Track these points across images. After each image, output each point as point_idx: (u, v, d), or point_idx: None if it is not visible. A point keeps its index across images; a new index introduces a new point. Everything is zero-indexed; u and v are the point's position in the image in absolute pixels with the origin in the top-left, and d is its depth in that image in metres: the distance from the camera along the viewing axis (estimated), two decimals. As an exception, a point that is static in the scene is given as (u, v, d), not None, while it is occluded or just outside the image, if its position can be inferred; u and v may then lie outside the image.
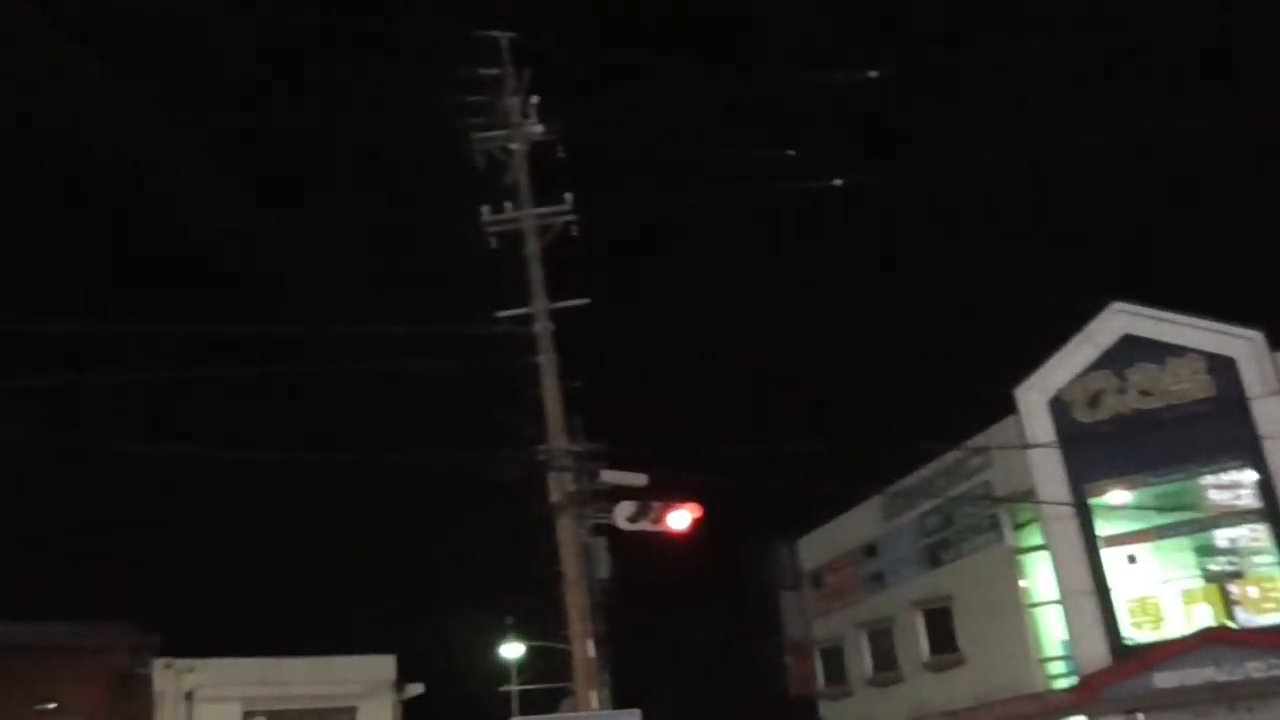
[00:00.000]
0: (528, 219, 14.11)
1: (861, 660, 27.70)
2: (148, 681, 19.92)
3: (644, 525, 13.80)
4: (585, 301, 13.91)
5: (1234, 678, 19.29)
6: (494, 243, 14.18)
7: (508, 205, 14.30)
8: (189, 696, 19.52)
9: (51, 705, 20.75)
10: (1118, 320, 22.33)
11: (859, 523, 27.96)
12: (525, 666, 30.03)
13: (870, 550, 27.70)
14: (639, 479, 13.70)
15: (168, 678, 19.70)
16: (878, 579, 27.43)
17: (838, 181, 12.89)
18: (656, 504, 13.80)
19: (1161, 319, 21.98)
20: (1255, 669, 19.26)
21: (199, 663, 20.04)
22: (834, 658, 28.92)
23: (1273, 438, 20.34)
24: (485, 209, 14.18)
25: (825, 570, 29.54)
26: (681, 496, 13.99)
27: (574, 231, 14.18)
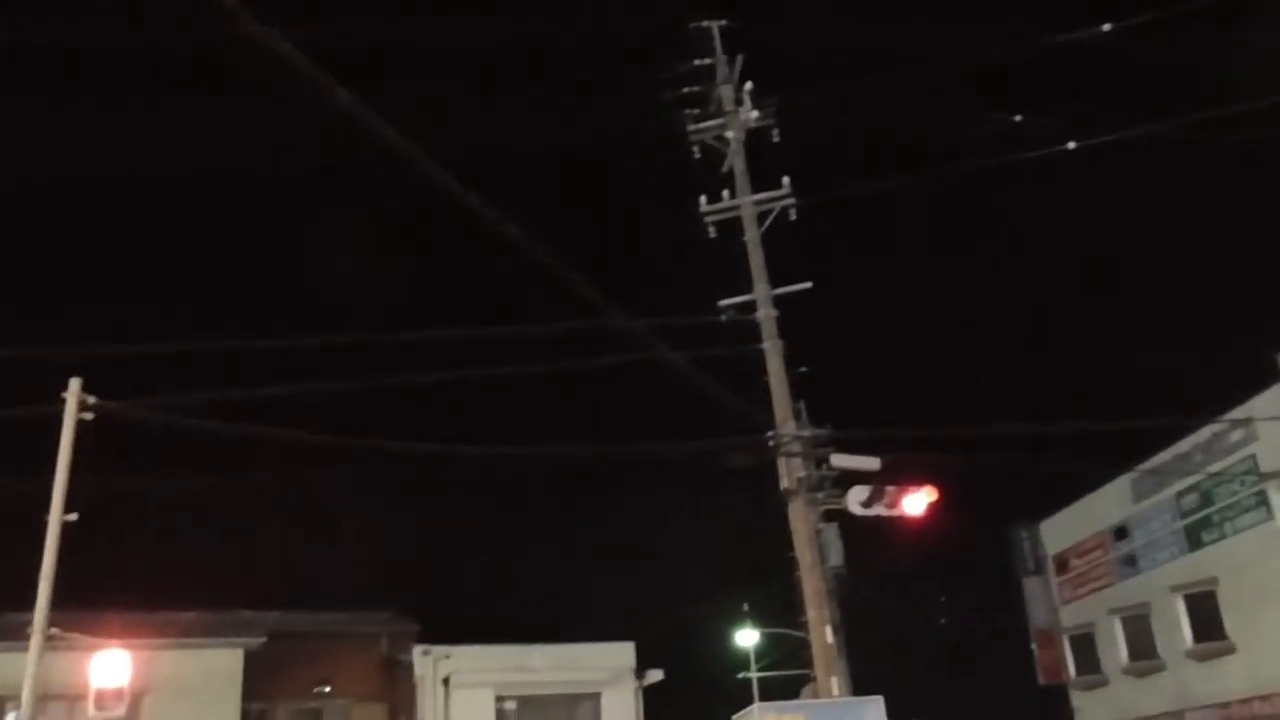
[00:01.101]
0: (746, 205, 14.08)
1: (1116, 648, 26.20)
2: (409, 667, 21.14)
3: (879, 509, 13.57)
4: (807, 286, 13.76)
5: None
6: (713, 231, 14.24)
7: (725, 195, 14.34)
8: (446, 681, 20.55)
9: (327, 688, 22.47)
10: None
11: (1107, 504, 26.47)
12: (762, 654, 30.08)
13: (1121, 532, 26.18)
14: (872, 463, 13.48)
15: (426, 663, 20.81)
16: (1130, 562, 25.88)
17: (1071, 145, 12.20)
18: (891, 488, 13.55)
19: None
20: None
21: (454, 649, 21.05)
22: (1085, 645, 27.50)
23: None
24: (703, 198, 14.26)
25: (1071, 554, 28.15)
26: (915, 480, 13.66)
27: (793, 215, 14.05)
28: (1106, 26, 12.38)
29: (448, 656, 20.74)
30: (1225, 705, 22.01)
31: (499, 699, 20.85)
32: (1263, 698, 20.98)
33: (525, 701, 21.06)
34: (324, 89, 6.89)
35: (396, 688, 22.87)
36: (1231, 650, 22.67)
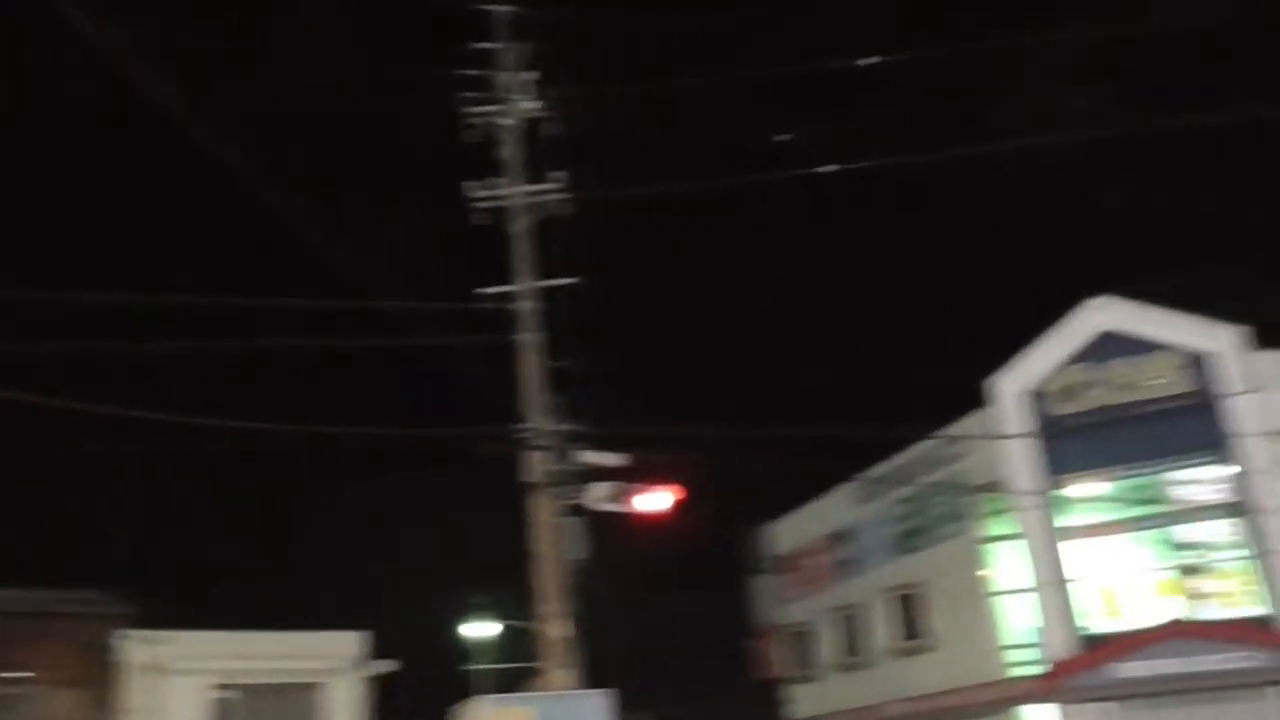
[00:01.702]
0: (516, 195, 14.01)
1: (830, 646, 27.95)
2: (119, 652, 19.72)
3: (618, 506, 13.83)
4: (574, 281, 13.85)
5: (1198, 669, 19.56)
6: (482, 218, 14.07)
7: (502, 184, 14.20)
8: (160, 669, 19.34)
9: (22, 674, 20.55)
10: (1097, 314, 22.50)
11: (832, 509, 28.13)
12: (499, 646, 30.05)
13: (842, 536, 27.89)
14: (617, 459, 13.72)
15: (139, 649, 19.51)
16: (849, 565, 27.63)
17: (831, 167, 12.87)
18: (632, 485, 13.82)
19: (1141, 313, 22.17)
20: (1218, 661, 19.54)
21: (171, 635, 19.85)
22: (803, 642, 29.14)
23: (1246, 434, 20.60)
24: (472, 183, 14.07)
25: (797, 555, 29.73)
26: (663, 479, 14.00)
27: (566, 210, 14.09)
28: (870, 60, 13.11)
29: (163, 642, 19.51)
30: (917, 698, 23.86)
31: (217, 688, 19.81)
32: (951, 691, 22.90)
33: (247, 690, 20.11)
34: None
35: (104, 674, 21.27)
36: (930, 649, 24.63)
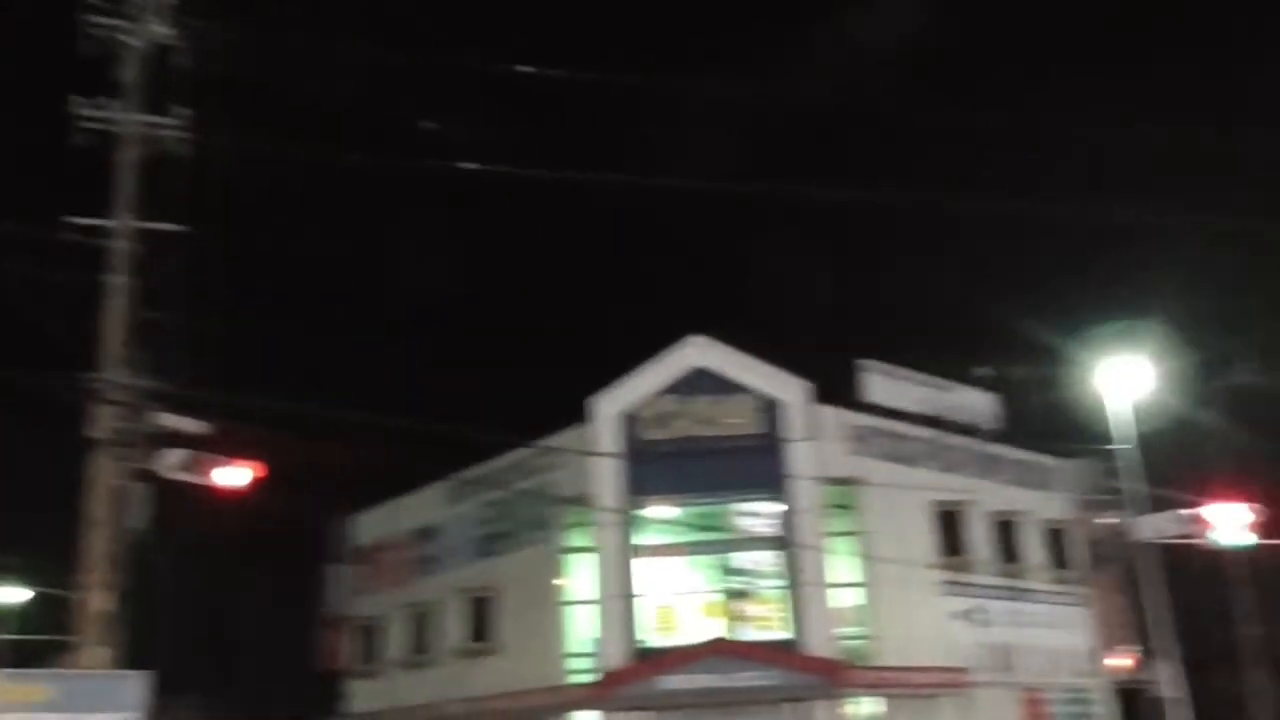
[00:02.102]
0: (130, 122, 12.72)
1: (398, 641, 27.71)
2: None
3: (193, 477, 12.98)
4: (181, 229, 12.78)
5: (731, 684, 21.46)
6: (86, 139, 12.62)
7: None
8: None
9: None
10: (694, 351, 24.20)
11: (422, 504, 28.00)
12: (28, 615, 26.90)
13: (428, 533, 27.83)
14: (197, 426, 12.86)
15: None
16: (430, 562, 27.60)
17: (472, 165, 12.81)
18: (211, 456, 13.03)
19: (730, 356, 24.12)
20: (749, 678, 21.55)
21: None
22: (371, 636, 28.67)
23: (798, 477, 22.98)
24: (80, 99, 12.61)
25: (379, 548, 29.27)
26: (245, 454, 13.29)
27: (185, 151, 12.97)
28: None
29: None
30: (477, 699, 24.25)
31: None
32: (509, 694, 23.48)
33: None
34: None
35: None
36: (495, 651, 25.14)
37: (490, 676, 24.58)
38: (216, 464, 12.98)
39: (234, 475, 13.06)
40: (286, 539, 30.78)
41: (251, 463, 13.21)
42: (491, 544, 25.99)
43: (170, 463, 12.74)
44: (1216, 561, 22.94)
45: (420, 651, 27.05)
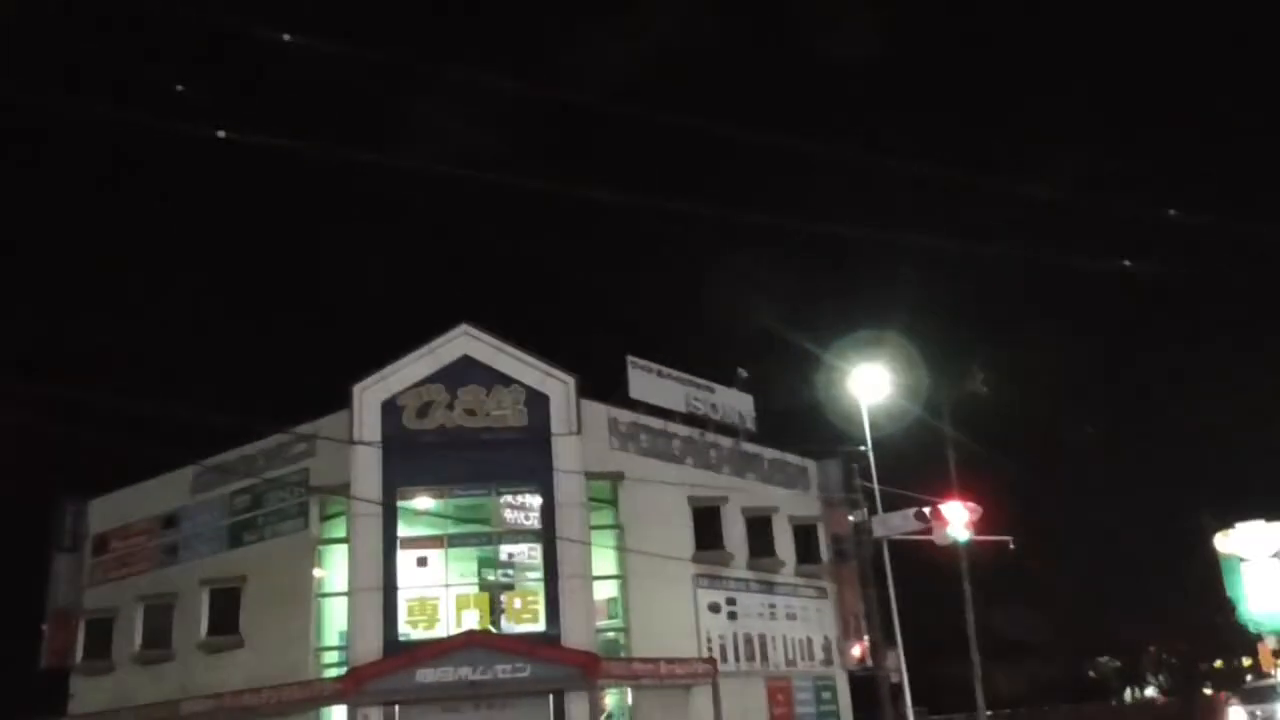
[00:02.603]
0: None
1: (133, 635, 26.00)
2: None
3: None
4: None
5: (486, 677, 21.37)
6: None
7: None
8: None
9: None
10: (462, 340, 23.94)
11: (165, 491, 26.39)
12: None
13: (170, 521, 26.30)
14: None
15: None
16: (171, 552, 26.10)
17: (221, 134, 12.12)
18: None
19: (499, 349, 24.00)
20: (504, 670, 21.53)
21: None
22: (101, 630, 26.73)
23: (562, 470, 23.15)
24: None
25: (114, 536, 27.38)
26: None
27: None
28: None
29: None
30: (220, 695, 23.07)
31: None
32: (253, 690, 22.50)
33: None
34: None
35: None
36: (241, 645, 24.06)
37: (235, 671, 23.48)
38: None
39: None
40: (6, 525, 28.47)
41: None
42: (240, 533, 24.86)
43: None
44: (943, 557, 24.72)
45: (158, 646, 25.47)
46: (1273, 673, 38.07)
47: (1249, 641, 42.20)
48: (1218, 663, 45.37)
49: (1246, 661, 42.15)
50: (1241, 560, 41.60)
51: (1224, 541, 42.34)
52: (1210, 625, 45.05)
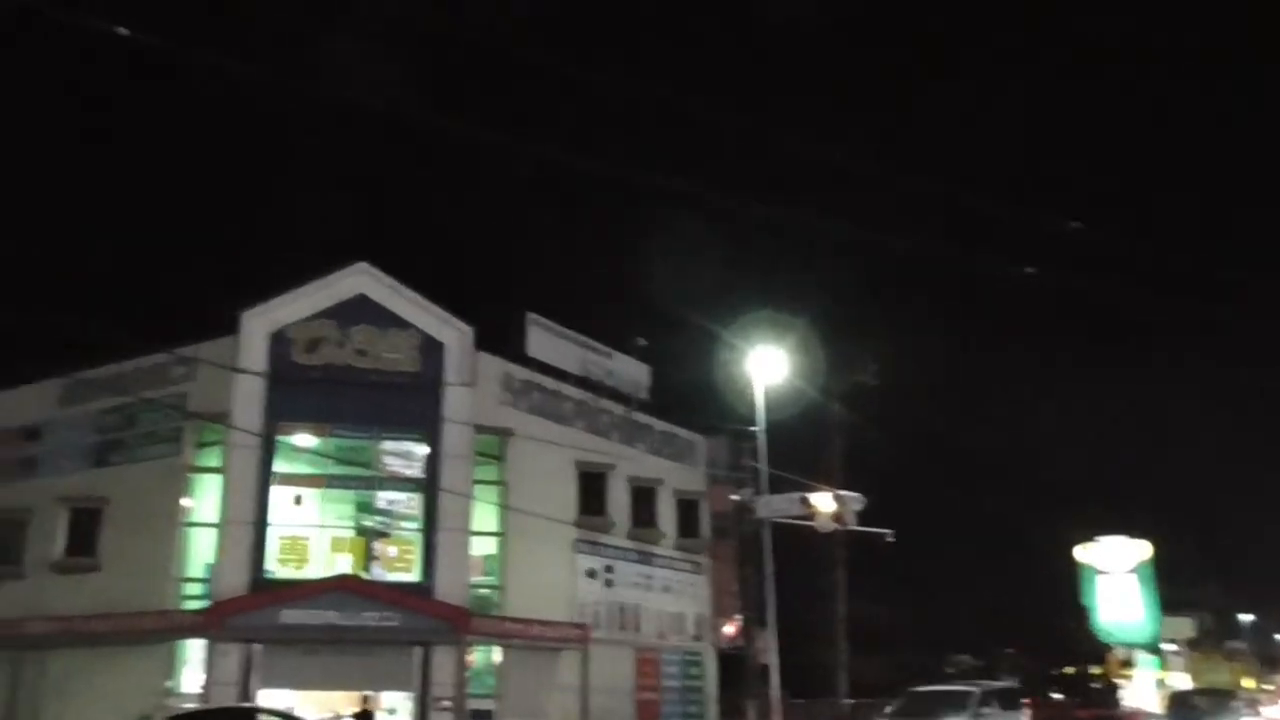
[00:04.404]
0: None
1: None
2: None
3: None
4: None
5: (352, 623, 20.93)
6: None
7: None
8: None
9: None
10: (360, 278, 23.28)
11: (29, 401, 25.13)
12: None
13: (32, 434, 25.06)
14: None
15: None
16: (30, 465, 24.89)
17: (123, 30, 11.32)
18: None
19: (397, 290, 23.40)
20: (372, 618, 21.12)
21: None
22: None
23: (451, 421, 22.73)
24: None
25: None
26: None
27: None
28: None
29: None
30: (70, 619, 22.08)
31: None
32: (108, 616, 21.58)
33: None
34: None
35: None
36: (97, 568, 23.10)
37: (89, 596, 22.49)
38: None
39: None
40: None
41: None
42: (107, 453, 23.83)
43: None
44: (821, 542, 25.02)
45: (6, 562, 24.25)
46: (1118, 682, 39.63)
47: (1099, 650, 43.81)
48: (1069, 669, 47.07)
49: (1095, 670, 43.73)
50: (1099, 572, 43.09)
51: (1084, 553, 43.80)
52: (1064, 631, 46.68)
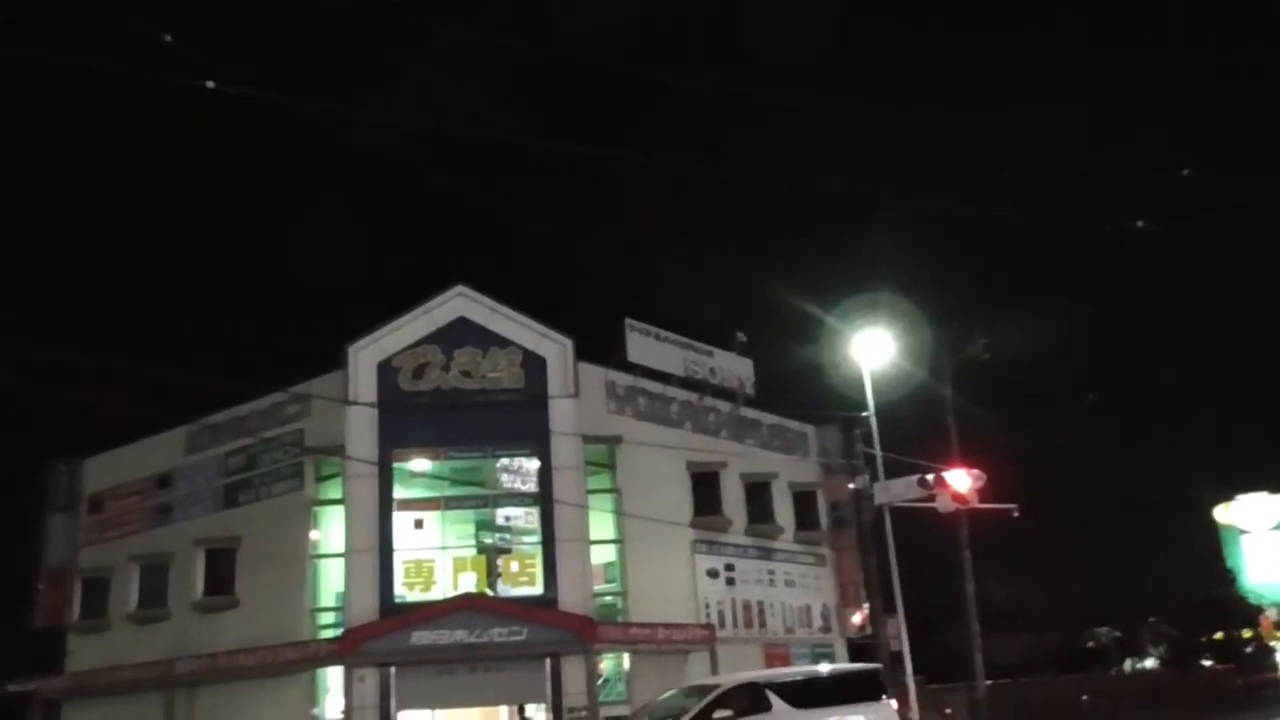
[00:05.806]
0: None
1: (128, 594, 25.90)
2: None
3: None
4: None
5: (481, 640, 21.24)
6: None
7: None
8: None
9: None
10: (458, 302, 23.62)
11: (158, 451, 26.21)
12: None
13: (164, 481, 26.10)
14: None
15: None
16: (165, 512, 25.93)
17: (210, 84, 11.74)
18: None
19: (495, 309, 23.68)
20: (500, 633, 21.39)
21: None
22: (97, 589, 26.65)
23: (559, 433, 22.89)
24: None
25: (108, 496, 27.21)
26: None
27: None
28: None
29: None
30: (214, 655, 22.98)
31: None
32: (248, 650, 22.38)
33: None
34: None
35: None
36: (235, 605, 23.92)
37: (230, 632, 23.37)
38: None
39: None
40: (2, 485, 28.30)
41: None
42: (235, 493, 24.66)
43: None
44: (943, 524, 24.46)
45: (153, 605, 25.37)
46: (1274, 645, 37.98)
47: (1249, 613, 42.07)
48: (1218, 634, 45.24)
49: (1247, 634, 42.01)
50: (1242, 532, 41.39)
51: (1224, 513, 42.12)
52: (1210, 597, 44.95)
